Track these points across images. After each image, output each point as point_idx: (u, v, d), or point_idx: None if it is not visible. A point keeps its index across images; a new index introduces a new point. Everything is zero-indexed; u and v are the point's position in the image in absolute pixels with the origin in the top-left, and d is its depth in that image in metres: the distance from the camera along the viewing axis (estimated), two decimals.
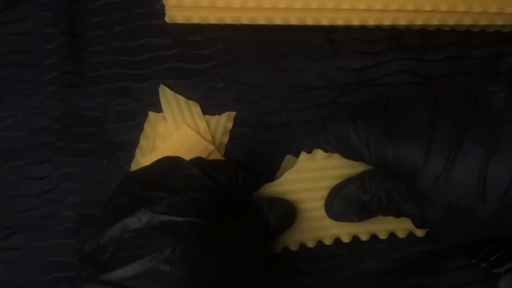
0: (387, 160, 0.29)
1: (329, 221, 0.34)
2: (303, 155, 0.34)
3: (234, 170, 0.32)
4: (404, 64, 0.38)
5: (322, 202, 0.34)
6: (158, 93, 0.39)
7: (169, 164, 0.30)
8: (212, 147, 0.38)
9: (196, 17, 0.38)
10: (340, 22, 0.38)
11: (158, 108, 0.39)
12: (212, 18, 0.38)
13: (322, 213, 0.34)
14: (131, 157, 0.39)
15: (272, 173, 0.37)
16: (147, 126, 0.39)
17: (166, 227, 0.27)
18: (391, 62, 0.38)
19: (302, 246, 0.35)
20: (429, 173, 0.28)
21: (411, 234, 0.35)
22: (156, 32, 0.40)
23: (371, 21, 0.37)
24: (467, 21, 0.37)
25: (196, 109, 0.39)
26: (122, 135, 0.39)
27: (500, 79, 0.28)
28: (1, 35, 0.41)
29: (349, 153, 0.32)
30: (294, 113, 0.39)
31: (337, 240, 0.35)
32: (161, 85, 0.39)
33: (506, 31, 0.39)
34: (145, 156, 0.38)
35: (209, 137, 0.38)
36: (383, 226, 0.34)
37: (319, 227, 0.34)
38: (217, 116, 0.39)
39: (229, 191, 0.31)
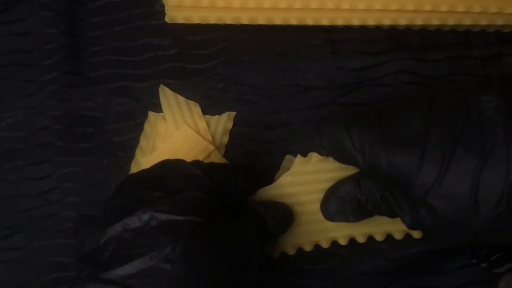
0: (381, 167, 0.29)
1: (325, 224, 0.34)
2: (299, 158, 0.34)
3: (233, 172, 0.32)
4: (404, 64, 0.38)
5: (318, 205, 0.34)
6: (158, 93, 0.39)
7: (169, 165, 0.31)
8: (212, 147, 0.38)
9: (196, 17, 0.38)
10: (340, 22, 0.38)
11: (158, 108, 0.39)
12: (212, 18, 0.38)
13: (319, 216, 0.34)
14: (131, 157, 0.39)
15: (272, 173, 0.37)
16: (147, 126, 0.39)
17: (167, 226, 0.27)
18: (391, 62, 0.38)
19: (300, 250, 0.35)
20: (422, 181, 0.28)
21: (407, 236, 0.35)
22: (156, 32, 0.40)
23: (371, 21, 0.37)
24: (467, 21, 0.37)
25: (196, 109, 0.39)
26: (122, 135, 0.39)
27: (492, 88, 0.28)
28: (1, 35, 0.41)
29: (343, 159, 0.32)
30: (294, 113, 0.39)
31: (334, 243, 0.35)
32: (161, 85, 0.39)
33: (506, 31, 0.39)
34: (145, 156, 0.38)
35: (209, 137, 0.38)
36: (380, 228, 0.34)
37: (315, 230, 0.34)
38: (217, 116, 0.39)
39: (229, 192, 0.31)
